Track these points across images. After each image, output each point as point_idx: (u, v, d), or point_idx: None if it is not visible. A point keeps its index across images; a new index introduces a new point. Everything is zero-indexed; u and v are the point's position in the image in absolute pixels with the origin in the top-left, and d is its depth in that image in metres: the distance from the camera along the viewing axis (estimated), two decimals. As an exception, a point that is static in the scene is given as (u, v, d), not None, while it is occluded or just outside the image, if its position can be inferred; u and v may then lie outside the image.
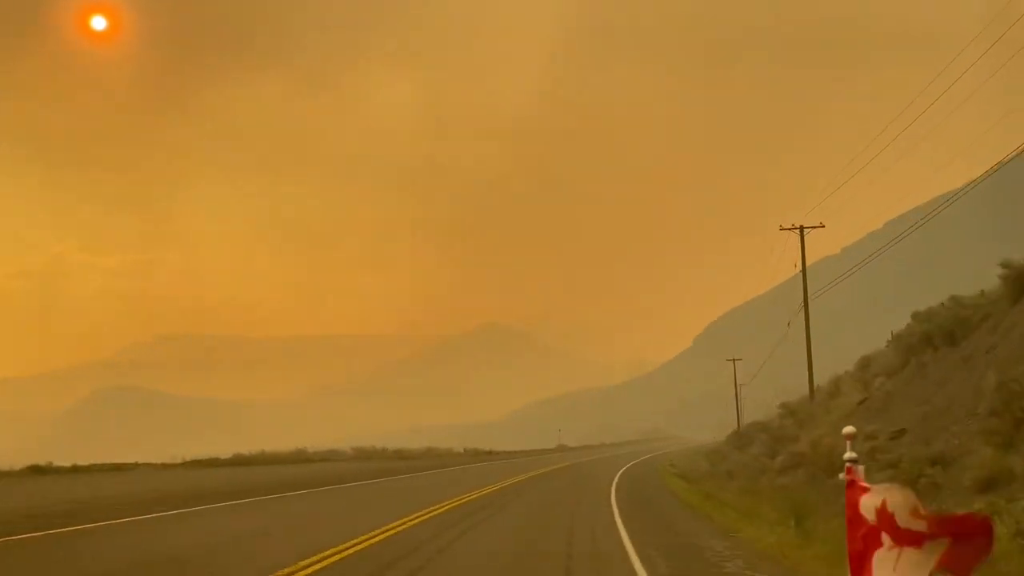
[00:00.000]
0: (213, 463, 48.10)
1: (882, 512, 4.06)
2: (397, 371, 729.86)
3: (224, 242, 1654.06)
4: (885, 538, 4.06)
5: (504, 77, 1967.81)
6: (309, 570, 10.99)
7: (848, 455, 4.82)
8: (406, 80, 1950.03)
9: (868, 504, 4.23)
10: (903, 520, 3.92)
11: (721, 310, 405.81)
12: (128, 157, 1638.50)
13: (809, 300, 43.04)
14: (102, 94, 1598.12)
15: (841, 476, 4.81)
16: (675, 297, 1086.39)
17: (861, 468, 4.74)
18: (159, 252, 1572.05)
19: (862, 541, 4.29)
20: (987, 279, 25.92)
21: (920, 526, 3.85)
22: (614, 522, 18.00)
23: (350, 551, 12.81)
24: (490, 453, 77.40)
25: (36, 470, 36.88)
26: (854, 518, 4.42)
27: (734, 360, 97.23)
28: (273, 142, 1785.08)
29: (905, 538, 3.92)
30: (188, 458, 50.25)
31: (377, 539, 14.38)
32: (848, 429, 5.13)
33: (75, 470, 39.42)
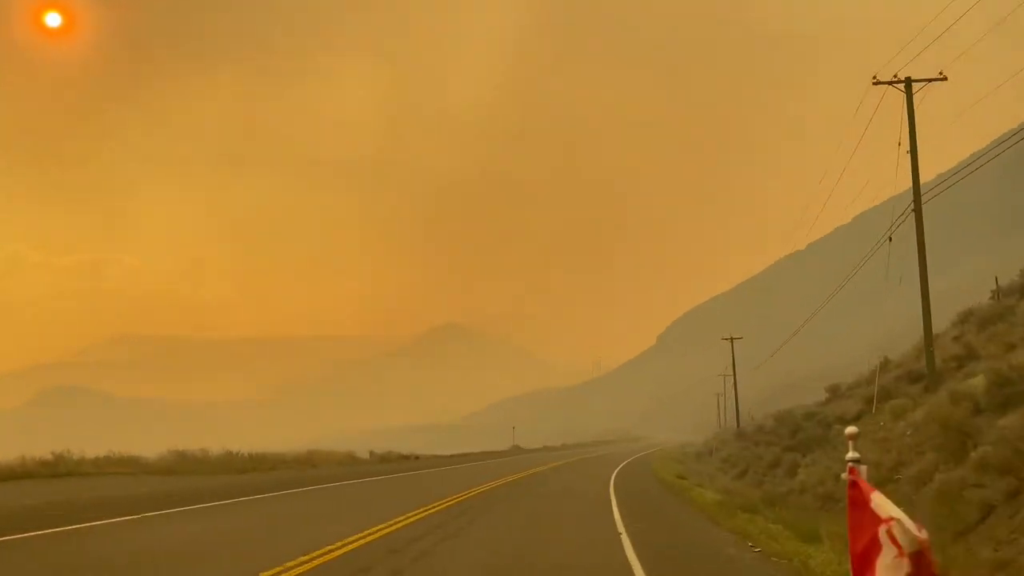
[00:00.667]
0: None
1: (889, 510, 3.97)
2: (356, 372, 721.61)
3: (181, 241, 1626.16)
4: (888, 537, 3.94)
5: (464, 77, 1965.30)
6: None
7: (850, 455, 4.75)
8: (364, 79, 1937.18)
9: (874, 502, 4.15)
10: (900, 542, 3.80)
11: (685, 307, 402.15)
12: (82, 154, 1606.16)
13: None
14: (57, 91, 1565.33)
15: (843, 476, 4.71)
16: (639, 295, 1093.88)
17: (864, 468, 4.67)
18: (113, 251, 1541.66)
19: (865, 539, 4.21)
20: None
21: (914, 550, 3.73)
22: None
23: None
24: (414, 459, 48.84)
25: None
26: (856, 519, 4.37)
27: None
28: (230, 139, 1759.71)
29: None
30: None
31: None
32: (851, 429, 4.93)
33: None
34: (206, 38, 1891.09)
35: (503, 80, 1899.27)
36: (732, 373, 70.06)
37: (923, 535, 3.74)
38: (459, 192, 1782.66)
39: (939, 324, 27.13)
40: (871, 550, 4.13)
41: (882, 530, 3.99)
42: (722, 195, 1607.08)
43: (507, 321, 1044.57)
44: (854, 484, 4.55)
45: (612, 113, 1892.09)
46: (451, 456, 59.73)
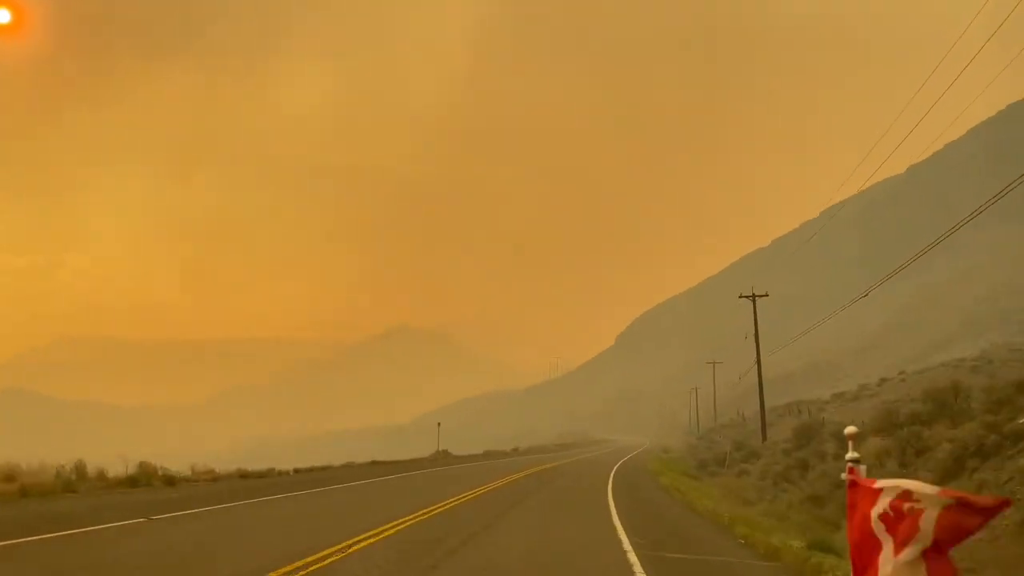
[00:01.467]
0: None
1: (892, 506, 3.96)
2: (306, 375, 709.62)
3: (128, 242, 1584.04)
4: (889, 535, 3.96)
5: (421, 77, 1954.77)
6: None
7: (850, 455, 4.78)
8: (319, 77, 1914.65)
9: (877, 502, 4.13)
10: (914, 506, 3.81)
11: (645, 307, 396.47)
12: (30, 154, 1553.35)
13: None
14: (7, 88, 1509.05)
15: (843, 476, 4.75)
16: (600, 296, 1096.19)
17: (863, 468, 4.71)
18: (58, 252, 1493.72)
19: (866, 538, 4.23)
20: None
21: (932, 512, 3.72)
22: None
23: None
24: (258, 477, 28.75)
25: None
26: (856, 518, 4.38)
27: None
28: (181, 139, 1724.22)
29: (911, 531, 3.81)
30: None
31: None
32: (850, 429, 4.97)
33: None
34: (156, 35, 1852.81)
35: (461, 79, 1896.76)
36: (756, 359, 45.95)
37: (936, 490, 3.66)
38: (417, 192, 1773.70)
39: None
40: (871, 549, 4.10)
41: (881, 528, 3.98)
42: (685, 195, 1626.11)
43: (465, 323, 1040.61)
44: (854, 484, 4.54)
45: (574, 112, 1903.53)
46: (312, 469, 33.77)
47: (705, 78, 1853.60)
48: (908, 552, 3.81)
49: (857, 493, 4.47)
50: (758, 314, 46.43)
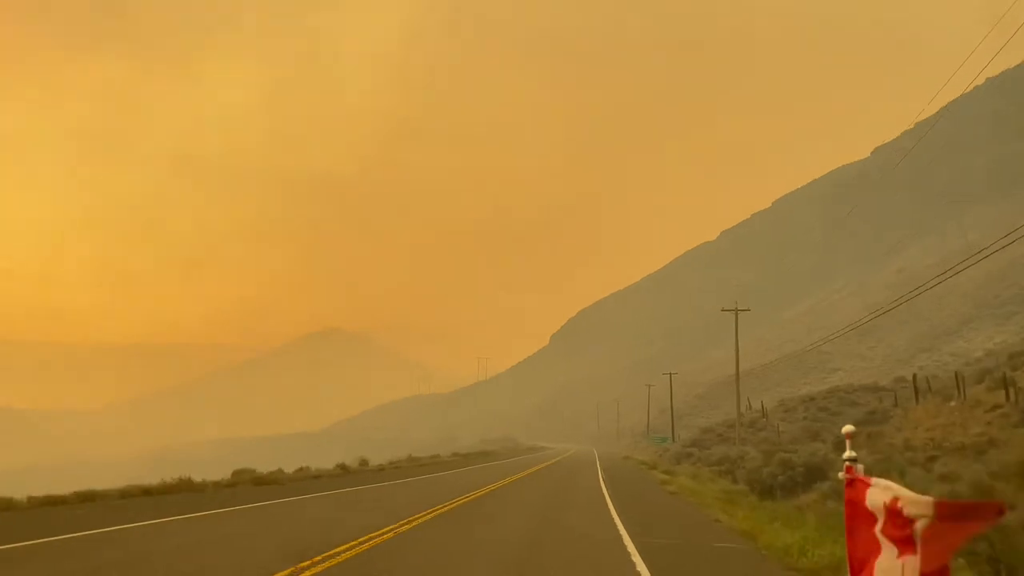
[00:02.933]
0: None
1: (888, 508, 3.80)
2: (224, 379, 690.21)
3: (41, 242, 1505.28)
4: (886, 537, 3.85)
5: (350, 73, 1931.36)
6: None
7: (848, 454, 4.67)
8: (247, 73, 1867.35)
9: (872, 501, 4.04)
10: (907, 513, 3.63)
11: (581, 305, 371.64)
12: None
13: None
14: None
15: (840, 475, 4.66)
16: (535, 297, 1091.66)
17: (860, 467, 4.58)
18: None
19: (863, 540, 4.17)
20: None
21: (925, 520, 3.53)
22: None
23: None
24: None
25: None
26: (854, 517, 4.33)
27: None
28: (100, 135, 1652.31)
29: (907, 534, 3.65)
30: None
31: None
32: (847, 428, 4.86)
33: None
34: (76, 23, 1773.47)
35: (393, 75, 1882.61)
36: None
37: (930, 499, 3.49)
38: (347, 193, 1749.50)
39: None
40: (869, 550, 4.10)
41: (878, 529, 3.95)
42: (622, 191, 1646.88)
43: (395, 326, 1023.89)
44: (851, 483, 4.50)
45: (509, 107, 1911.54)
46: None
47: (648, 77, 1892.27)
48: (906, 561, 3.60)
49: (854, 492, 4.40)
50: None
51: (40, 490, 19.67)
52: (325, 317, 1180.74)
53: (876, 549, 4.00)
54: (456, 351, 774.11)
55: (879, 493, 3.98)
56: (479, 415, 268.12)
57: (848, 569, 4.39)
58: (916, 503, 3.61)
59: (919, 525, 3.59)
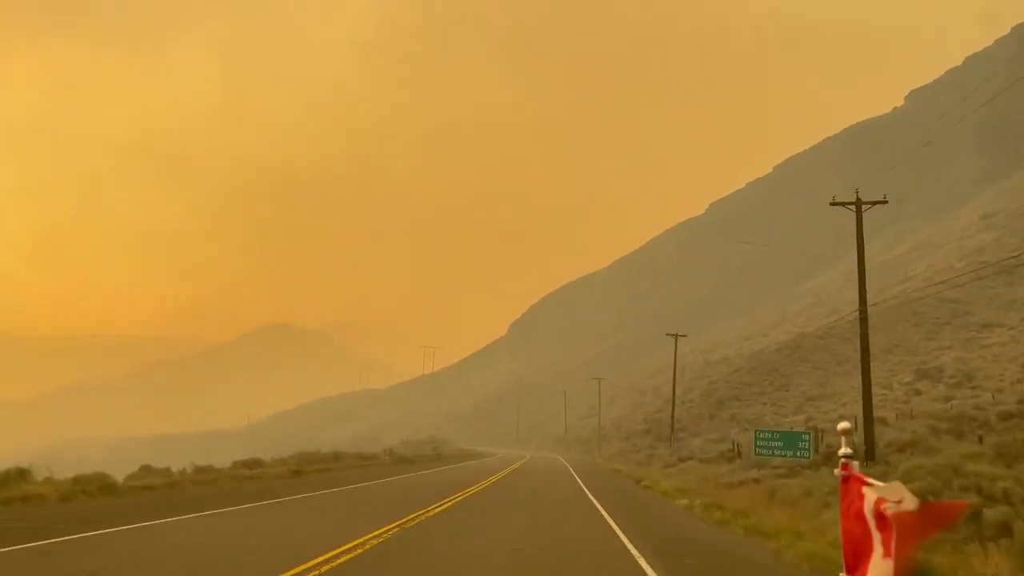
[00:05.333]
0: None
1: (879, 506, 3.90)
2: (165, 373, 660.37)
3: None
4: (880, 534, 3.90)
5: (316, 64, 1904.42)
6: None
7: (844, 451, 4.71)
8: (207, 60, 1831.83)
9: (867, 499, 4.08)
10: (899, 513, 3.74)
11: (546, 291, 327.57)
12: None
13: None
14: None
15: (837, 472, 4.69)
16: (496, 292, 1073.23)
17: (856, 463, 4.65)
18: None
19: (857, 538, 4.16)
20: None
21: (912, 518, 3.69)
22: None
23: None
24: None
25: None
26: (850, 514, 4.31)
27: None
28: (45, 119, 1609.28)
29: (901, 532, 3.72)
30: None
31: None
32: (843, 425, 4.94)
33: None
34: (29, 4, 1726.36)
35: (356, 72, 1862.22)
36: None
37: (907, 498, 3.61)
38: (314, 190, 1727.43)
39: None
40: (863, 545, 4.04)
41: (872, 527, 3.93)
42: (598, 171, 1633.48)
43: (352, 323, 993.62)
44: (847, 479, 4.49)
45: (472, 101, 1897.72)
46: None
47: (609, 69, 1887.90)
48: (893, 558, 3.77)
49: (850, 488, 4.41)
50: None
51: None
52: (279, 313, 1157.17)
53: (869, 546, 4.03)
54: (416, 348, 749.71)
55: (873, 491, 4.06)
56: (418, 412, 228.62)
57: (843, 567, 4.37)
58: (902, 502, 3.77)
59: (897, 520, 3.77)
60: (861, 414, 25.68)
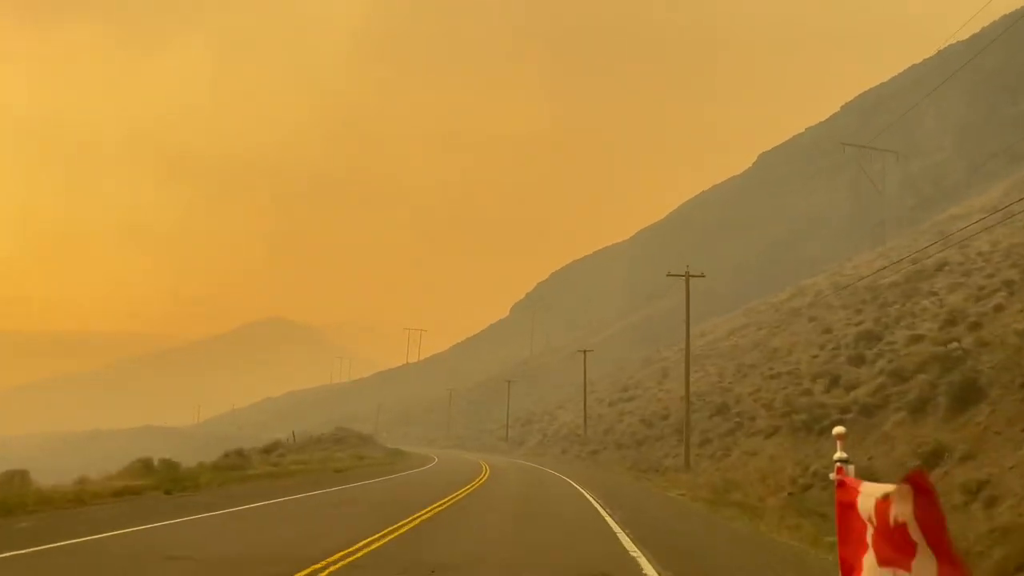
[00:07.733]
0: None
1: (877, 509, 3.83)
2: (142, 368, 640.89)
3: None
4: (875, 537, 3.86)
5: (309, 54, 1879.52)
6: None
7: (838, 455, 4.70)
8: (203, 53, 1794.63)
9: (861, 504, 4.06)
10: (896, 516, 3.67)
11: (554, 268, 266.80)
12: None
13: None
14: None
15: (832, 476, 4.66)
16: (495, 281, 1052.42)
17: (851, 467, 4.63)
18: None
19: (853, 543, 4.17)
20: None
21: (910, 520, 3.59)
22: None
23: None
24: None
25: None
26: (844, 519, 4.33)
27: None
28: (39, 108, 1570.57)
29: (896, 535, 3.68)
30: None
31: None
32: (838, 429, 4.92)
33: None
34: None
35: (352, 60, 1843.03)
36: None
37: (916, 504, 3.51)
38: (307, 182, 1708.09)
39: None
40: (858, 551, 4.02)
41: (868, 531, 3.89)
42: (613, 141, 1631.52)
43: (348, 318, 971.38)
44: (842, 484, 4.46)
45: (470, 96, 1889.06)
46: None
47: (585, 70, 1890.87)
48: (896, 567, 3.70)
49: (844, 493, 4.38)
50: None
51: None
52: (271, 307, 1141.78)
53: (864, 548, 3.98)
54: (407, 341, 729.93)
55: (869, 495, 3.98)
56: (393, 402, 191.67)
57: (839, 567, 4.34)
58: (902, 498, 3.63)
59: (920, 515, 3.56)
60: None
